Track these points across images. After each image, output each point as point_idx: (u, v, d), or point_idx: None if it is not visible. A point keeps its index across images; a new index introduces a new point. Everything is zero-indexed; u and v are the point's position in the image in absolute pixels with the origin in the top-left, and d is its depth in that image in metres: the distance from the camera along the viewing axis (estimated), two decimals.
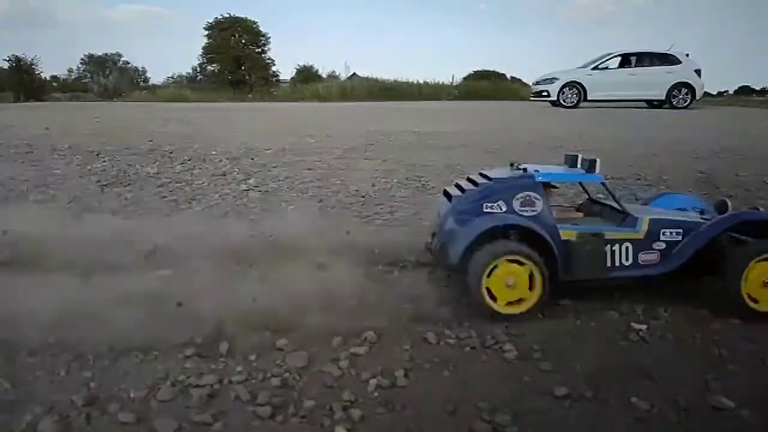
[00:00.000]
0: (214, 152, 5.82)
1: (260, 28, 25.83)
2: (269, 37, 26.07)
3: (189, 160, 5.39)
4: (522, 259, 1.99)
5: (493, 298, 1.99)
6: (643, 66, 13.36)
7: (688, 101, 13.12)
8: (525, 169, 2.18)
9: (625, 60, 13.54)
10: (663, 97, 13.15)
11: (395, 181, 4.49)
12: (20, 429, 1.39)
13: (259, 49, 26.01)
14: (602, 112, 11.82)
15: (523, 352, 1.79)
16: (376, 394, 1.56)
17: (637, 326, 1.97)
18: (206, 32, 25.61)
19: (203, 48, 25.97)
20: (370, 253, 2.59)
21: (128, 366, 1.67)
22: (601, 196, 2.54)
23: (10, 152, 5.80)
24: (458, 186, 2.31)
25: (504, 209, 2.08)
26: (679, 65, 13.08)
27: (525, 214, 2.08)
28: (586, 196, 2.58)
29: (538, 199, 2.09)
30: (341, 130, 8.04)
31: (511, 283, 1.98)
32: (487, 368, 1.72)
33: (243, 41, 25.56)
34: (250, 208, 3.63)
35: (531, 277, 2.00)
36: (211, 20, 25.58)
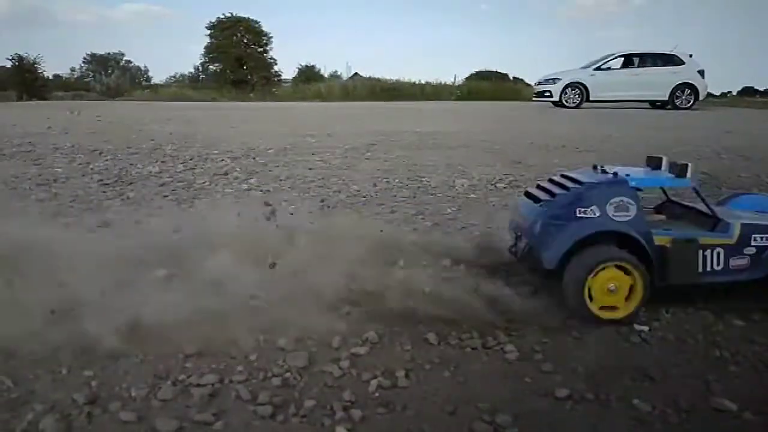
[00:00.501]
0: (215, 152, 5.83)
1: (262, 28, 25.86)
2: (271, 37, 26.11)
3: (191, 159, 5.40)
4: (625, 265, 1.98)
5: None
6: (646, 66, 13.34)
7: (691, 102, 13.11)
8: (616, 173, 2.15)
9: (628, 60, 13.53)
10: (666, 98, 13.14)
11: (396, 181, 4.50)
12: (21, 427, 1.40)
13: (261, 49, 26.04)
14: (604, 113, 11.81)
15: (524, 353, 1.79)
16: (376, 394, 1.56)
17: (638, 327, 1.96)
18: (208, 32, 25.66)
19: (205, 47, 26.04)
20: (372, 253, 2.58)
21: (129, 365, 1.67)
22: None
23: (13, 151, 5.81)
24: (542, 188, 2.28)
25: (597, 214, 2.04)
26: (682, 66, 13.07)
27: (619, 219, 2.04)
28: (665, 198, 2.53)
29: (632, 205, 2.05)
30: (343, 130, 8.05)
31: (612, 288, 1.97)
32: (488, 369, 1.71)
33: (245, 41, 25.59)
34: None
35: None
36: (213, 20, 25.65)
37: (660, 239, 2.08)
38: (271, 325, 1.87)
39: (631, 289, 2.00)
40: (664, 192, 2.54)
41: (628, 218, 2.05)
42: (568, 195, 2.11)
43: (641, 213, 2.09)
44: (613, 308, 2.00)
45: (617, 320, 1.99)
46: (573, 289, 1.98)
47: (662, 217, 2.41)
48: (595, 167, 2.26)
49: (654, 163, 2.30)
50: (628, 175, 2.14)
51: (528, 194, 2.34)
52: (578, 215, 2.04)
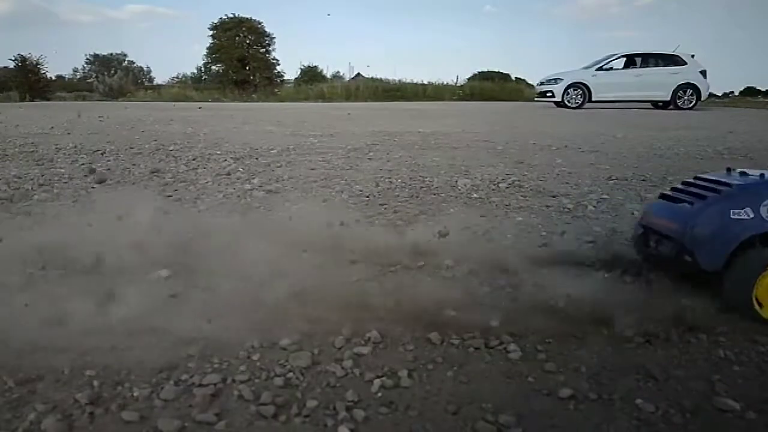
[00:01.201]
0: (218, 152, 5.84)
1: (265, 29, 25.90)
2: (274, 38, 26.15)
3: (193, 159, 5.41)
4: None
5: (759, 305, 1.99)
6: (648, 67, 13.35)
7: (693, 102, 13.10)
8: (762, 174, 2.14)
9: (630, 61, 13.53)
10: (668, 98, 13.13)
11: (399, 181, 4.50)
12: (23, 427, 1.39)
13: (264, 49, 26.09)
14: (606, 113, 11.79)
15: (527, 353, 1.78)
16: (379, 394, 1.56)
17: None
18: (211, 32, 25.72)
19: (208, 48, 26.10)
20: (374, 253, 2.58)
21: (131, 364, 1.67)
22: None
23: (15, 151, 5.83)
24: (681, 191, 2.28)
25: (751, 216, 2.03)
26: (684, 66, 13.08)
27: None
28: None
29: None
30: (345, 131, 8.06)
31: None
32: (491, 369, 1.71)
33: (248, 41, 25.64)
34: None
35: None
36: (216, 20, 25.71)
37: None
38: (272, 325, 1.87)
39: None
40: None
41: None
42: (721, 196, 2.10)
43: None
44: None
45: None
46: (739, 292, 1.98)
47: None
48: (728, 170, 2.25)
49: None
50: None
51: (665, 197, 2.33)
52: (732, 216, 2.03)
